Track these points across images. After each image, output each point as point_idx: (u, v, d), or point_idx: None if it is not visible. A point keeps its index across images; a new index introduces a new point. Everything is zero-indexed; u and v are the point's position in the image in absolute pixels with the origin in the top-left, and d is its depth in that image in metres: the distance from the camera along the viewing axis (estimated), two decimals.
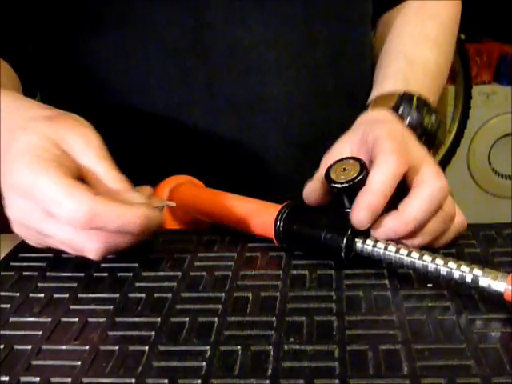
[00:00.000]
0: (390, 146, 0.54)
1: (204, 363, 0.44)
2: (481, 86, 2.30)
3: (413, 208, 0.53)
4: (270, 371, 0.43)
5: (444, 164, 2.35)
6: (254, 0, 0.70)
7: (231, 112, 0.72)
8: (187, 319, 0.49)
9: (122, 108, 0.73)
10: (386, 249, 0.53)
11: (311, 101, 0.75)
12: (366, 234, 0.55)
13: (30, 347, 0.47)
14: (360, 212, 0.53)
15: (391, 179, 0.53)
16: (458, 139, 2.32)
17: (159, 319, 0.49)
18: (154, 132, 0.73)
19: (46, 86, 0.80)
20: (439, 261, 0.50)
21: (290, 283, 0.54)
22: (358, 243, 0.54)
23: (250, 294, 0.52)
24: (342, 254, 0.54)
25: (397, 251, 0.52)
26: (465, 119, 2.29)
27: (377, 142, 0.56)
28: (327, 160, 0.60)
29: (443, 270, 0.50)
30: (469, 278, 0.49)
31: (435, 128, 0.68)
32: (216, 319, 0.49)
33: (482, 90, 2.30)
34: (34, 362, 0.45)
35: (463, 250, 0.58)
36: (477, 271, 0.49)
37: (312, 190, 0.58)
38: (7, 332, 0.49)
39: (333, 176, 0.56)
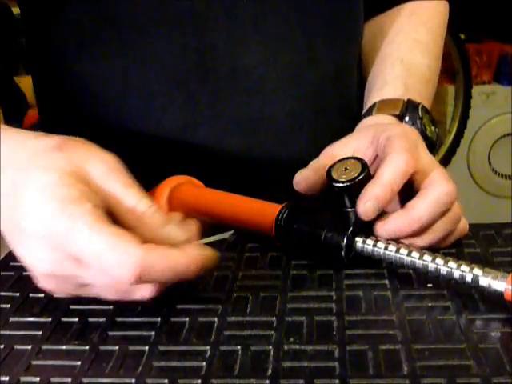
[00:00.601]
0: (402, 145, 0.55)
1: (204, 363, 0.44)
2: (481, 86, 2.31)
3: (419, 208, 0.54)
4: (270, 371, 0.43)
5: (444, 164, 2.35)
6: (254, 21, 0.70)
7: (235, 132, 0.72)
8: (187, 319, 0.49)
9: (124, 131, 0.72)
10: (386, 248, 0.53)
11: (314, 117, 0.75)
12: (366, 233, 0.55)
13: (30, 347, 0.46)
14: (367, 202, 0.53)
15: (400, 175, 0.54)
16: (457, 139, 2.32)
17: (159, 319, 0.49)
18: (158, 154, 0.73)
19: (46, 109, 0.79)
20: (439, 260, 0.50)
21: (290, 283, 0.54)
22: (359, 243, 0.54)
23: (249, 294, 0.52)
24: (343, 253, 0.54)
25: (397, 251, 0.52)
26: (465, 119, 2.29)
27: (389, 141, 0.56)
28: (327, 153, 0.61)
29: (443, 270, 0.50)
30: (469, 278, 0.49)
31: (436, 138, 0.70)
32: (216, 319, 0.49)
33: (482, 90, 2.30)
34: (34, 362, 0.45)
35: (463, 249, 0.58)
36: (477, 271, 0.49)
37: (303, 178, 0.59)
38: (7, 332, 0.49)
39: (334, 175, 0.56)
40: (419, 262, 0.51)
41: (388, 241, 0.54)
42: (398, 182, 0.54)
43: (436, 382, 0.41)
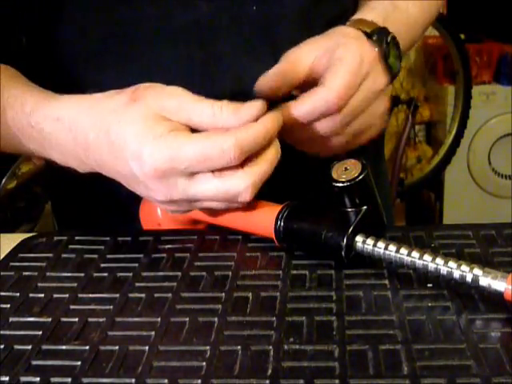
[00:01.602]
0: (343, 75, 0.58)
1: (204, 363, 0.44)
2: (481, 86, 2.30)
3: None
4: (269, 371, 0.43)
5: (444, 164, 2.35)
6: (262, 30, 0.69)
7: None
8: (187, 319, 0.49)
9: None
10: (386, 248, 0.53)
11: None
12: (366, 233, 0.55)
13: (30, 347, 0.47)
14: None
15: (321, 107, 0.58)
16: (457, 139, 2.32)
17: (159, 319, 0.49)
18: None
19: None
20: (439, 260, 0.50)
21: (290, 283, 0.54)
22: (359, 243, 0.54)
23: (250, 294, 0.52)
24: (343, 253, 0.54)
25: (397, 251, 0.52)
26: (465, 119, 2.29)
27: (334, 65, 0.59)
28: (289, 57, 0.62)
29: (443, 270, 0.50)
30: (469, 278, 0.49)
31: (396, 71, 0.69)
32: (216, 319, 0.49)
33: (482, 90, 2.30)
34: (34, 362, 0.45)
35: (463, 249, 0.58)
36: (477, 271, 0.49)
37: (266, 82, 0.60)
38: (7, 332, 0.49)
39: (334, 175, 0.56)
40: (419, 262, 0.51)
41: (388, 241, 0.54)
42: (315, 110, 0.58)
43: (436, 382, 0.41)
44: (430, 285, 0.52)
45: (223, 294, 0.52)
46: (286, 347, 0.45)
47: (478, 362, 0.42)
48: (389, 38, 0.67)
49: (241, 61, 0.70)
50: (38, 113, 0.60)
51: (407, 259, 0.52)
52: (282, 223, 0.57)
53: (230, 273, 0.56)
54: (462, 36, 2.26)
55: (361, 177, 0.54)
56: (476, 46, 2.32)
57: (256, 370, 0.43)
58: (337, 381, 0.41)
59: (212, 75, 0.69)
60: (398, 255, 0.52)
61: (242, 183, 0.54)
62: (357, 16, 0.71)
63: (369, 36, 0.67)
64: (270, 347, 0.45)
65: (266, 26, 0.69)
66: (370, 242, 0.54)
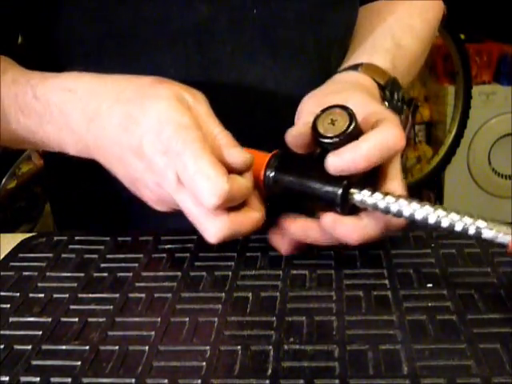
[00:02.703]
0: (395, 126, 0.53)
1: (204, 363, 0.44)
2: (481, 86, 2.30)
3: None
4: (269, 371, 0.43)
5: (444, 164, 2.35)
6: (262, 34, 0.69)
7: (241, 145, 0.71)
8: (187, 319, 0.49)
9: None
10: (383, 199, 0.50)
11: None
12: (361, 185, 0.52)
13: (30, 347, 0.47)
14: (341, 163, 0.51)
15: (383, 151, 0.51)
16: (457, 139, 2.32)
17: (159, 319, 0.49)
18: None
19: None
20: (441, 212, 0.48)
21: (290, 283, 0.54)
22: (355, 193, 0.51)
23: (250, 294, 0.52)
24: (338, 206, 0.51)
25: (396, 201, 0.50)
26: (465, 119, 2.29)
27: (381, 120, 0.54)
28: (312, 103, 0.60)
29: (444, 222, 0.48)
30: (471, 230, 0.47)
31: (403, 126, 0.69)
32: (216, 319, 0.49)
33: (482, 90, 2.30)
34: (34, 362, 0.45)
35: (463, 249, 0.58)
36: (480, 223, 0.46)
37: (298, 135, 0.55)
38: (7, 332, 0.49)
39: (320, 129, 0.52)
40: (419, 212, 0.49)
41: (387, 192, 0.51)
42: (379, 157, 0.51)
43: (436, 381, 0.41)
44: (429, 285, 0.52)
45: (223, 294, 0.52)
46: (286, 347, 0.45)
47: (478, 362, 0.42)
48: (400, 95, 0.68)
49: (240, 64, 0.69)
50: (47, 84, 0.59)
51: (407, 210, 0.49)
52: (272, 173, 0.54)
53: (230, 273, 0.56)
54: (462, 36, 2.26)
55: (349, 129, 0.51)
56: (476, 46, 2.32)
57: (256, 370, 0.43)
58: (337, 381, 0.41)
59: (211, 78, 0.69)
60: (397, 206, 0.49)
61: (215, 223, 0.52)
62: (363, 56, 0.70)
63: (382, 89, 0.66)
64: (270, 347, 0.45)
65: (266, 29, 0.69)
66: (366, 192, 0.51)
